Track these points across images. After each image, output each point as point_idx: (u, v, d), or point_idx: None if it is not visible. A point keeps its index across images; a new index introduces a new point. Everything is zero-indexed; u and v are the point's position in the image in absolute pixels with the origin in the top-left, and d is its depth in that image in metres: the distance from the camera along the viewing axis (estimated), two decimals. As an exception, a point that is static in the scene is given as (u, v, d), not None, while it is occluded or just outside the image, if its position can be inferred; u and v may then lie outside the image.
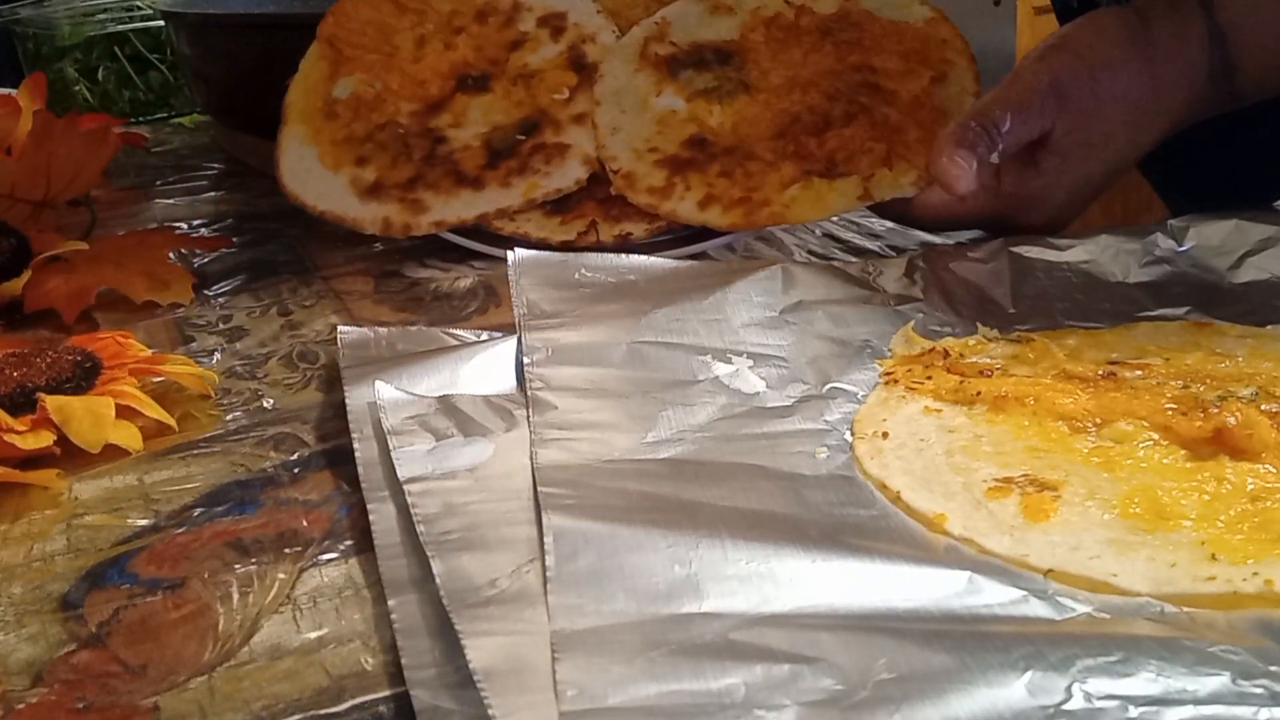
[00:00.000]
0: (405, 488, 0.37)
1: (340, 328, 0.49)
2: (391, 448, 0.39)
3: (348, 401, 0.44)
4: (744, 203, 0.58)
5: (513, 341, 0.47)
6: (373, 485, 0.39)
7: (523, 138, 0.63)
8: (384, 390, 0.43)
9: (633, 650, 0.29)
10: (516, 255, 0.52)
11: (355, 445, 0.41)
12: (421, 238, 0.61)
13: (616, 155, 0.61)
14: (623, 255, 0.53)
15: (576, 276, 0.51)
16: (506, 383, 0.45)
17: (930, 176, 0.55)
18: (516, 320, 0.48)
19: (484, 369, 0.46)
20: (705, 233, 0.59)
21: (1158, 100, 0.56)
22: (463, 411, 0.42)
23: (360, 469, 0.40)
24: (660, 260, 0.53)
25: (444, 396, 0.43)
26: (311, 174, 0.63)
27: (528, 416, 0.42)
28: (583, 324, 0.48)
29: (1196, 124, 0.60)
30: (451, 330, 0.51)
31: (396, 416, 0.41)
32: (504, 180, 0.61)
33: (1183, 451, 0.38)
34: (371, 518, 0.37)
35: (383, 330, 0.50)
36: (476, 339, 0.50)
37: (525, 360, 0.45)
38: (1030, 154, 0.56)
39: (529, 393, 0.43)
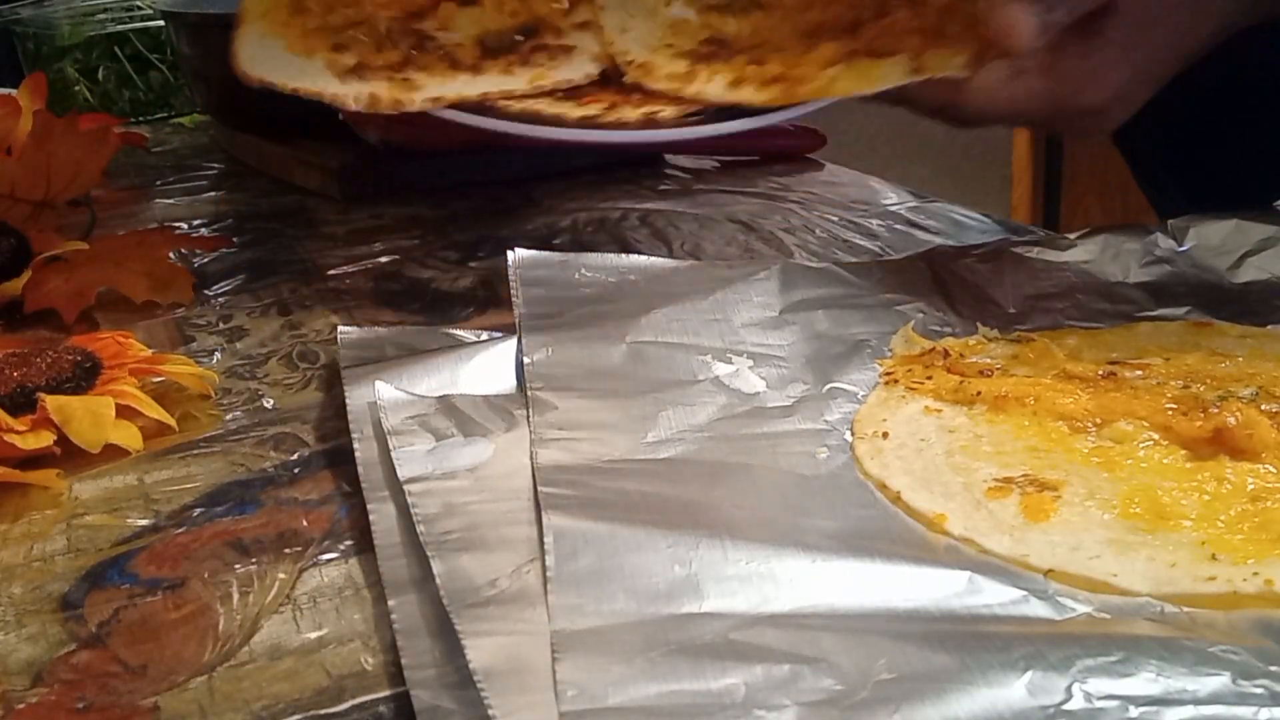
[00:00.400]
0: (405, 488, 0.37)
1: (340, 328, 0.49)
2: (391, 448, 0.39)
3: (348, 401, 0.44)
4: (781, 80, 0.53)
5: (512, 341, 0.47)
6: (373, 485, 0.39)
7: (521, 39, 0.58)
8: (384, 390, 0.43)
9: (633, 650, 0.29)
10: (516, 255, 0.52)
11: (355, 445, 0.41)
12: (421, 239, 0.58)
13: (628, 49, 0.56)
14: (623, 256, 0.53)
15: (576, 277, 0.51)
16: (506, 383, 0.45)
17: (986, 49, 0.51)
18: (516, 320, 0.48)
19: (484, 369, 0.46)
20: (739, 116, 0.54)
21: None
22: (463, 412, 0.42)
23: (360, 469, 0.40)
24: (660, 260, 0.53)
25: (444, 397, 0.43)
26: (279, 58, 0.55)
27: (528, 416, 0.42)
28: (583, 324, 0.48)
29: (1192, 122, 0.59)
30: (451, 330, 0.51)
31: (396, 416, 0.41)
32: (505, 69, 0.56)
33: (1183, 451, 0.38)
34: (371, 518, 0.37)
35: (383, 330, 0.50)
36: (476, 339, 0.50)
37: (525, 360, 0.45)
38: (1092, 24, 0.53)
39: (529, 393, 0.43)
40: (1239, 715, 0.27)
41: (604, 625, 0.31)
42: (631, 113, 0.54)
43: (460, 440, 0.40)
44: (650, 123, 0.54)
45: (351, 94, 0.53)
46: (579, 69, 0.56)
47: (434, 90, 0.53)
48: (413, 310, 0.57)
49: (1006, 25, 0.49)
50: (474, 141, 0.76)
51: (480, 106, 0.54)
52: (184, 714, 0.30)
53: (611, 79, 0.57)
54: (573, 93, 0.56)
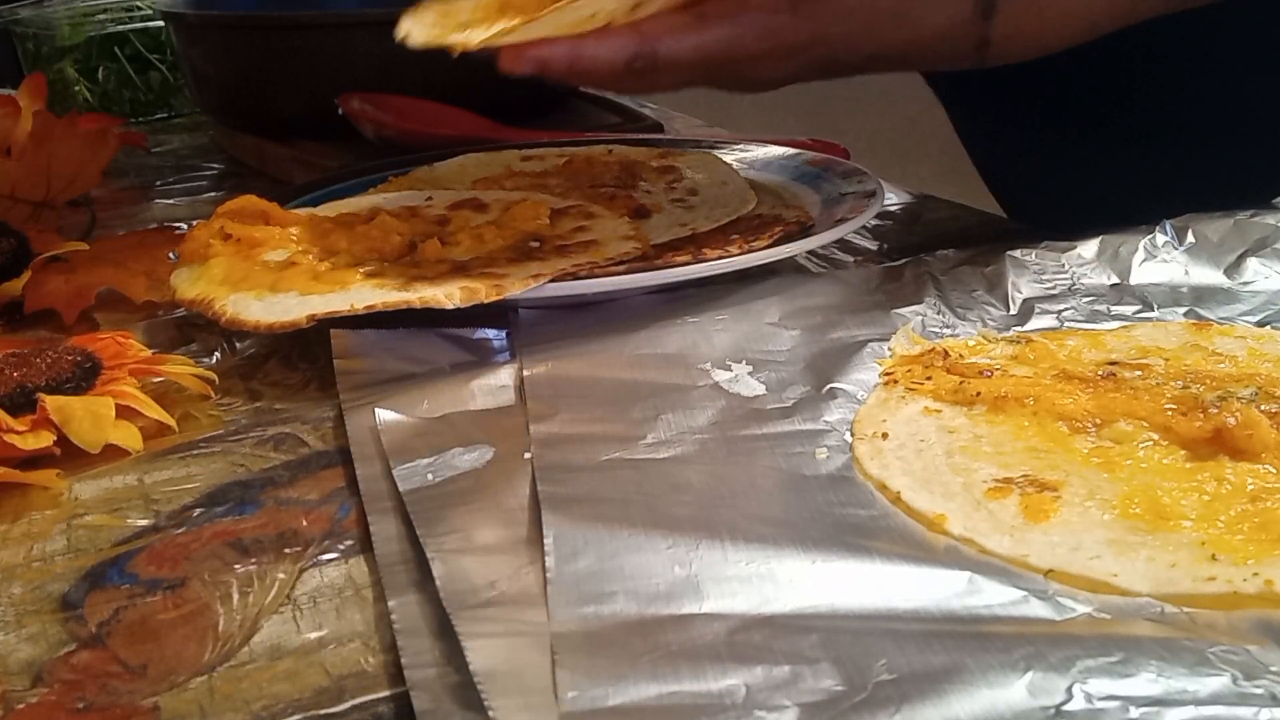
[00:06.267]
0: (405, 498, 0.37)
1: (333, 330, 0.49)
2: (392, 465, 0.39)
3: (348, 426, 0.43)
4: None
5: (512, 362, 0.47)
6: (374, 498, 0.39)
7: (537, 244, 0.55)
8: (384, 415, 0.43)
9: (633, 651, 0.29)
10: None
11: (357, 466, 0.41)
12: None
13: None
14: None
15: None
16: (505, 399, 0.45)
17: None
18: (515, 339, 0.49)
19: (483, 391, 0.46)
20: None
21: (930, 2, 0.55)
22: (463, 426, 0.42)
23: (361, 485, 0.40)
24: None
25: (443, 416, 0.43)
26: (299, 303, 0.49)
27: (526, 424, 0.42)
28: (581, 337, 0.48)
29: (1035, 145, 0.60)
30: (445, 330, 0.50)
31: (396, 436, 0.41)
32: (559, 254, 0.53)
33: (1183, 451, 0.38)
34: (372, 528, 0.37)
35: (372, 333, 0.49)
36: (470, 338, 0.50)
37: (526, 373, 0.45)
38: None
39: (529, 402, 0.43)
40: (1239, 716, 0.27)
41: (604, 626, 0.31)
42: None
43: (460, 450, 0.40)
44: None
45: (442, 294, 0.48)
46: (621, 247, 0.54)
47: (516, 276, 0.49)
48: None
49: None
50: (465, 137, 0.77)
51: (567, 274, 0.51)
52: (184, 714, 0.30)
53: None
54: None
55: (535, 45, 0.49)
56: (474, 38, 0.49)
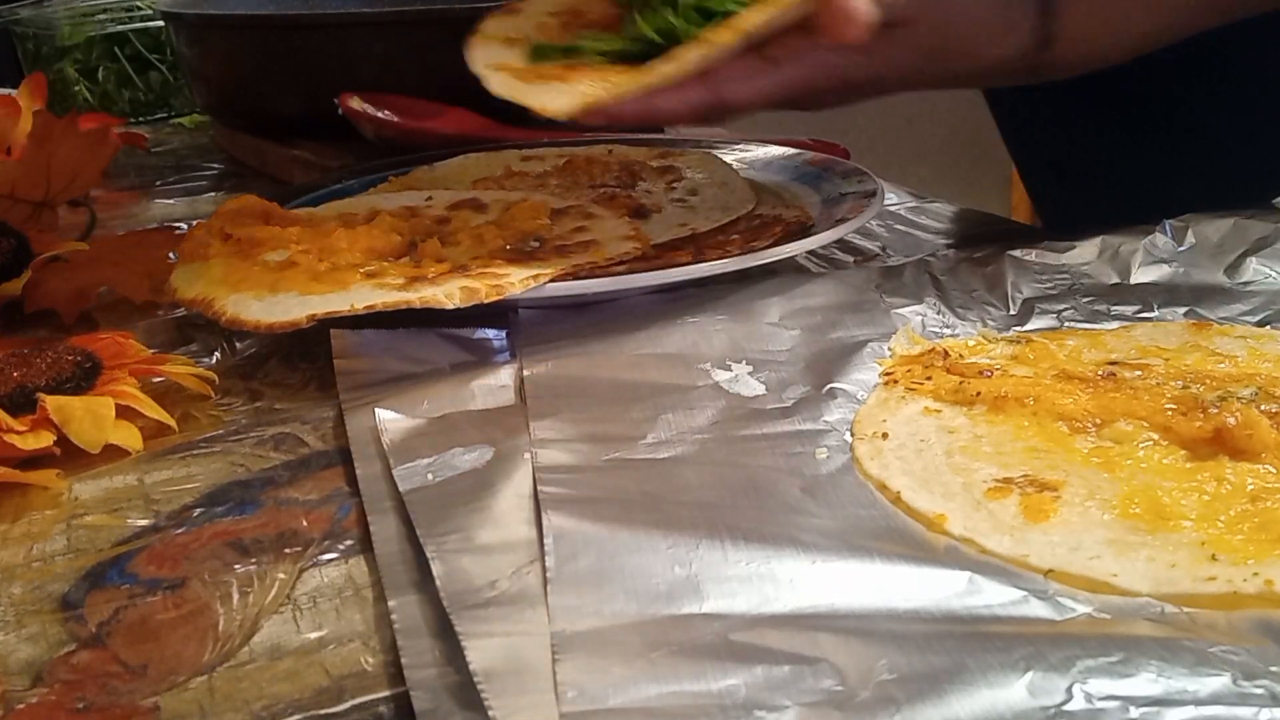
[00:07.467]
0: (406, 498, 0.37)
1: (333, 330, 0.49)
2: (392, 465, 0.39)
3: (348, 425, 0.43)
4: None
5: (512, 362, 0.47)
6: (374, 498, 0.39)
7: (537, 244, 0.55)
8: (384, 415, 0.43)
9: (633, 651, 0.29)
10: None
11: (357, 465, 0.41)
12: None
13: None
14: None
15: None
16: (505, 399, 0.45)
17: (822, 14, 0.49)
18: (515, 339, 0.49)
19: (483, 391, 0.46)
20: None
21: (993, 38, 0.57)
22: (463, 426, 0.42)
23: (361, 484, 0.40)
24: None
25: (443, 416, 0.43)
26: (299, 303, 0.48)
27: (527, 424, 0.42)
28: (581, 337, 0.48)
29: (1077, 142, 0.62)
30: (445, 330, 0.50)
31: (396, 436, 0.41)
32: (559, 254, 0.53)
33: (1183, 451, 0.38)
34: (372, 528, 0.37)
35: (372, 333, 0.49)
36: (470, 338, 0.50)
37: (526, 373, 0.45)
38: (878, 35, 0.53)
39: (529, 401, 0.43)
40: (1239, 716, 0.27)
41: (604, 626, 0.31)
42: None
43: (460, 450, 0.40)
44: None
45: (442, 293, 0.47)
46: (622, 248, 0.54)
47: (516, 276, 0.49)
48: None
49: (847, 12, 0.49)
50: (465, 136, 0.77)
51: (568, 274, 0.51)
52: (184, 714, 0.30)
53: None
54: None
55: (609, 107, 0.50)
56: (553, 102, 0.50)
